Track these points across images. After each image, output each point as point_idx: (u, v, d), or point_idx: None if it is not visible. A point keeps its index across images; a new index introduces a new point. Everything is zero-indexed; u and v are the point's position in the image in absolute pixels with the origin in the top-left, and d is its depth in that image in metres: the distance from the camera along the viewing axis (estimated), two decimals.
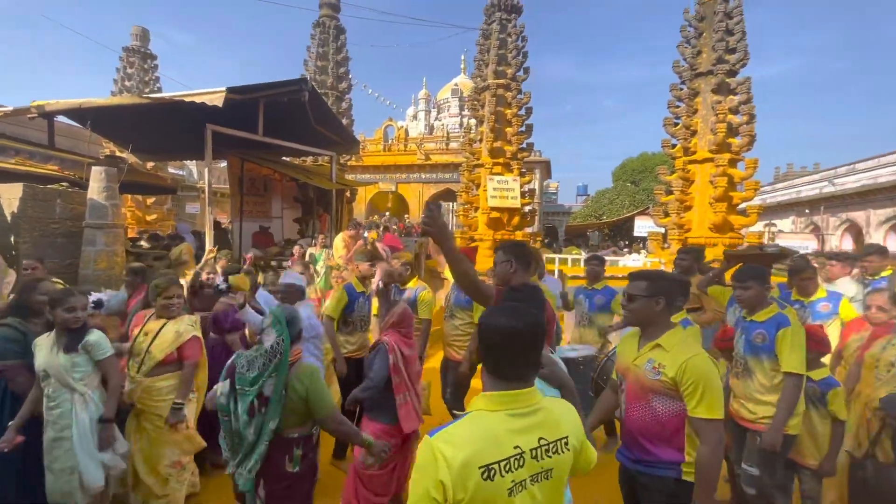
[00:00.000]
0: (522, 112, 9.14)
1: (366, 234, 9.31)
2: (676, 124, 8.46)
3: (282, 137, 7.82)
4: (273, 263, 7.80)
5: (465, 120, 21.45)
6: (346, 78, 11.36)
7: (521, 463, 1.03)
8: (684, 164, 8.17)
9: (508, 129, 8.94)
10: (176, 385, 2.54)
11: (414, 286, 3.41)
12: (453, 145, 22.57)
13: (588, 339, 3.51)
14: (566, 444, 1.10)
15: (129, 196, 10.61)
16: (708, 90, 7.97)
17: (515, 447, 1.03)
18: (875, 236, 15.94)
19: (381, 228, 8.45)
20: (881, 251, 3.39)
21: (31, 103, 7.02)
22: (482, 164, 9.04)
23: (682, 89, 8.47)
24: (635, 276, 1.87)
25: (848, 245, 18.05)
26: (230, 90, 5.75)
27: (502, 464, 1.01)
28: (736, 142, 7.78)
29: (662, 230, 8.83)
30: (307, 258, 5.86)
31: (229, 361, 1.96)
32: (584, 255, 11.69)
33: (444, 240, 1.81)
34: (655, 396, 1.66)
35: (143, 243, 8.06)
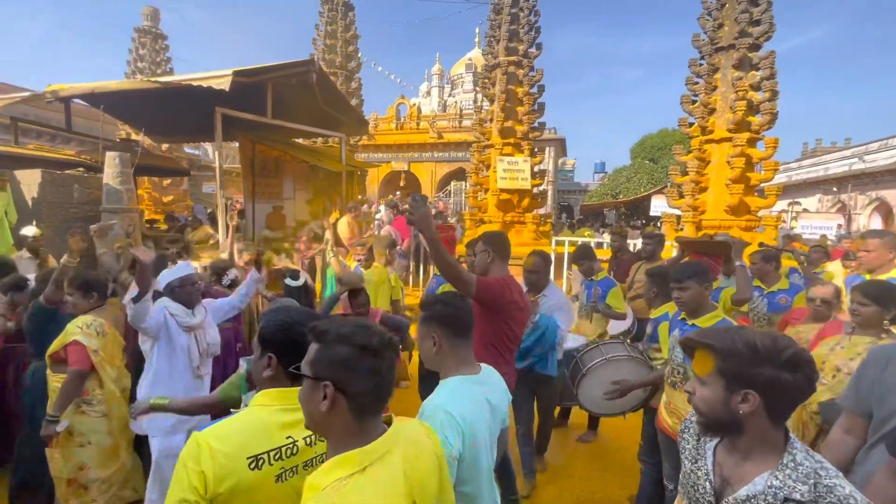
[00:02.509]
0: (534, 90, 8.91)
1: (380, 214, 9.32)
2: (694, 102, 8.16)
3: (291, 119, 7.83)
4: (286, 245, 7.96)
5: (478, 97, 21.00)
6: (355, 57, 11.21)
7: (293, 451, 1.12)
8: (700, 143, 7.91)
9: (520, 109, 8.75)
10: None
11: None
12: (466, 123, 22.21)
13: (585, 330, 3.51)
14: None
15: (146, 178, 10.81)
16: (728, 66, 7.63)
17: (288, 437, 1.12)
18: None
19: (393, 209, 8.46)
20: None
21: (47, 88, 7.15)
22: (492, 145, 8.91)
23: (701, 65, 8.12)
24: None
25: (877, 224, 17.39)
26: (237, 73, 5.74)
27: (272, 453, 1.09)
28: (756, 120, 7.48)
29: (677, 212, 8.65)
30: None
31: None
32: (595, 238, 11.57)
33: (426, 230, 1.91)
34: None
35: (161, 225, 8.27)
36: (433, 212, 14.81)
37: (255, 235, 9.14)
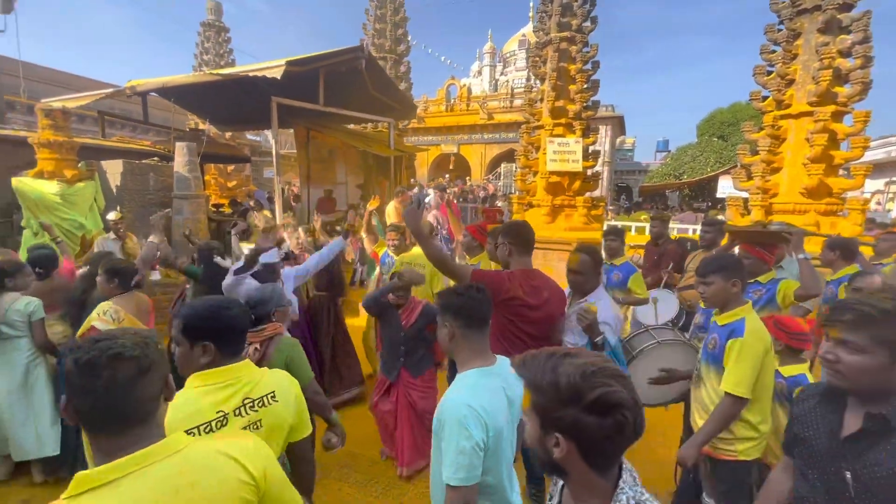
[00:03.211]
0: (588, 66, 8.46)
1: (429, 198, 9.42)
2: (770, 73, 7.39)
3: (342, 105, 8.05)
4: (338, 228, 8.27)
5: (531, 74, 20.34)
6: (404, 40, 11.19)
7: (224, 423, 1.26)
8: (775, 119, 7.17)
9: (572, 87, 8.36)
10: None
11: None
12: (518, 102, 21.62)
13: None
14: (273, 397, 1.35)
15: (212, 165, 11.60)
16: (813, 30, 6.79)
17: (218, 412, 1.26)
18: None
19: (442, 193, 8.49)
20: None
21: (127, 84, 7.81)
22: (542, 126, 8.62)
23: (779, 30, 7.30)
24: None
25: None
26: (289, 63, 5.97)
27: (202, 427, 1.22)
28: (844, 91, 6.65)
29: (743, 194, 7.97)
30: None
31: None
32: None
33: (411, 223, 2.09)
34: None
35: (226, 209, 8.88)
36: (482, 194, 14.67)
37: (310, 218, 9.59)
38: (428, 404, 2.84)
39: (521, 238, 2.20)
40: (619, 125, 24.32)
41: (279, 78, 5.66)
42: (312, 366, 2.17)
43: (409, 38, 11.34)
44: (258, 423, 1.32)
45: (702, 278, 2.06)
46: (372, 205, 4.52)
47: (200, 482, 0.89)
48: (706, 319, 2.48)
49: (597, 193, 11.49)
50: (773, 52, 7.38)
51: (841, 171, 7.23)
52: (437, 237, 5.48)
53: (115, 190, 5.94)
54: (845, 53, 6.56)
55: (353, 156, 10.77)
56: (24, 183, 4.86)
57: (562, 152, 8.25)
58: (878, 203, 18.85)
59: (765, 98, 7.50)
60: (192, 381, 1.30)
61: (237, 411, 1.28)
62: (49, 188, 4.87)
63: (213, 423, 1.25)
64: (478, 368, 1.43)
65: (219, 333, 1.31)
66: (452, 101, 23.58)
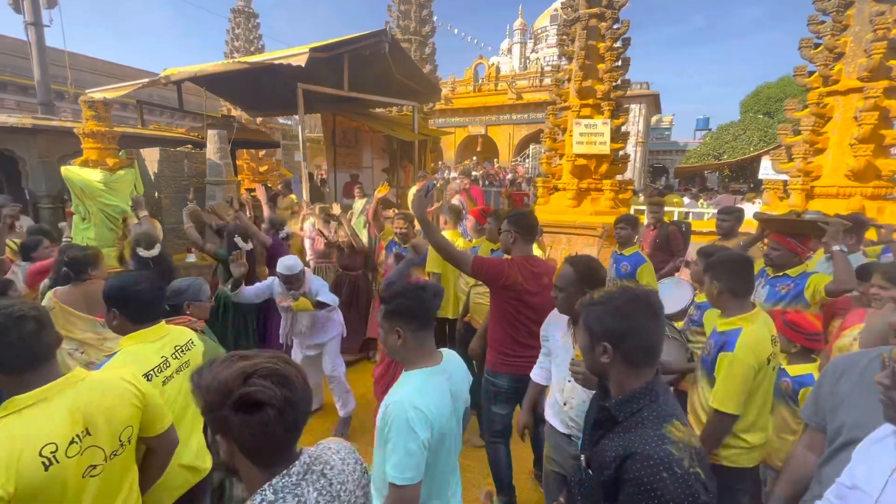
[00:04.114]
0: (619, 44, 8.13)
1: (456, 182, 9.42)
2: (818, 46, 6.90)
3: (367, 90, 8.10)
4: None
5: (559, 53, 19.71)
6: (429, 21, 11.05)
7: (167, 364, 1.70)
8: (820, 96, 6.72)
9: (600, 66, 8.07)
10: None
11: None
12: (548, 81, 21.02)
13: None
14: (192, 343, 1.83)
15: (245, 150, 11.96)
16: None
17: (162, 357, 1.69)
18: None
19: (466, 177, 8.48)
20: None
21: (162, 73, 8.11)
22: (569, 107, 8.39)
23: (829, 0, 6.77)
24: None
25: None
26: (313, 49, 6.05)
27: (155, 369, 1.65)
28: None
29: (783, 177, 7.57)
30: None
31: None
32: (688, 208, 10.58)
33: (417, 211, 2.22)
34: None
35: (257, 193, 9.17)
36: (510, 176, 14.51)
37: (336, 203, 9.81)
38: None
39: (525, 227, 2.25)
40: (654, 103, 23.31)
41: (303, 66, 5.76)
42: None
43: (435, 19, 11.19)
44: (188, 363, 1.77)
45: (710, 275, 1.94)
46: (380, 192, 4.64)
47: (107, 394, 1.34)
48: (700, 314, 2.44)
49: (629, 176, 11.12)
50: (822, 22, 6.87)
51: (894, 152, 6.74)
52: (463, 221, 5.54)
53: (152, 176, 6.25)
54: None
55: (379, 140, 10.85)
56: (71, 171, 5.20)
57: (588, 134, 8.03)
58: None
59: (811, 73, 7.03)
60: (128, 341, 1.68)
61: (173, 355, 1.73)
62: (94, 176, 5.19)
63: (161, 366, 1.68)
64: (426, 368, 1.44)
65: (124, 303, 1.67)
66: (480, 81, 23.16)
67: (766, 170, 16.95)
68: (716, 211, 8.64)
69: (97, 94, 7.46)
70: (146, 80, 7.58)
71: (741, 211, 3.57)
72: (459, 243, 4.03)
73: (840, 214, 3.11)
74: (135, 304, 1.68)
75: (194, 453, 1.77)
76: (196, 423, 1.80)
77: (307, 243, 5.76)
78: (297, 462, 0.91)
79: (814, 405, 1.44)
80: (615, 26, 8.04)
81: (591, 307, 1.16)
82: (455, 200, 6.76)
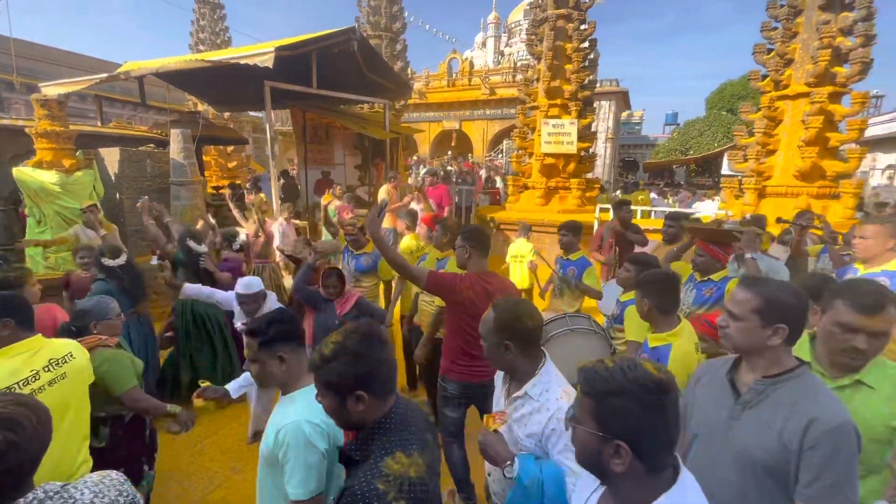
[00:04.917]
0: (585, 45, 8.32)
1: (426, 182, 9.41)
2: (770, 51, 7.25)
3: (336, 87, 8.01)
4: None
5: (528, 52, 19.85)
6: (400, 17, 10.97)
7: (36, 377, 1.69)
8: (771, 100, 7.08)
9: (568, 67, 8.25)
10: None
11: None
12: (521, 77, 21.20)
13: (557, 308, 3.50)
14: (71, 355, 1.82)
15: (212, 146, 11.65)
16: (814, 6, 6.61)
17: (32, 370, 1.69)
18: None
19: (433, 176, 8.48)
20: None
21: (122, 66, 7.82)
22: (537, 107, 8.55)
23: (781, 6, 7.12)
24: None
25: None
26: (279, 48, 5.95)
27: (20, 382, 1.65)
28: (843, 71, 6.53)
29: (739, 176, 7.95)
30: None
31: None
32: (654, 206, 10.92)
33: (374, 235, 2.29)
34: None
35: (226, 191, 8.98)
36: (483, 173, 14.58)
37: (307, 200, 9.70)
38: None
39: (480, 242, 2.33)
40: (623, 100, 23.80)
41: (270, 67, 5.67)
42: None
43: (406, 15, 11.12)
44: (63, 375, 1.80)
45: (641, 293, 1.98)
46: (325, 200, 4.65)
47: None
48: (622, 312, 2.55)
49: (598, 172, 11.40)
50: (774, 29, 7.22)
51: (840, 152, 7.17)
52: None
53: (113, 177, 6.07)
54: (846, 31, 6.42)
55: (351, 137, 10.76)
56: (24, 173, 4.99)
57: (556, 134, 8.22)
58: (890, 178, 18.48)
59: (763, 77, 7.38)
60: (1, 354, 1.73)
61: (45, 368, 1.76)
62: (49, 178, 5.00)
63: (29, 378, 1.69)
64: (307, 387, 1.44)
65: (14, 313, 1.72)
66: (454, 76, 23.12)
67: (728, 166, 17.69)
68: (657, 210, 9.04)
69: (52, 88, 7.14)
70: (104, 75, 7.29)
71: (686, 217, 3.79)
72: (419, 245, 4.15)
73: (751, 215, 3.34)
74: (25, 314, 1.76)
75: (75, 466, 1.76)
76: (71, 437, 1.77)
77: (277, 234, 5.74)
78: (20, 500, 0.96)
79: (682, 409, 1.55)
80: (582, 27, 8.22)
81: (328, 365, 1.13)
82: (414, 204, 6.77)
